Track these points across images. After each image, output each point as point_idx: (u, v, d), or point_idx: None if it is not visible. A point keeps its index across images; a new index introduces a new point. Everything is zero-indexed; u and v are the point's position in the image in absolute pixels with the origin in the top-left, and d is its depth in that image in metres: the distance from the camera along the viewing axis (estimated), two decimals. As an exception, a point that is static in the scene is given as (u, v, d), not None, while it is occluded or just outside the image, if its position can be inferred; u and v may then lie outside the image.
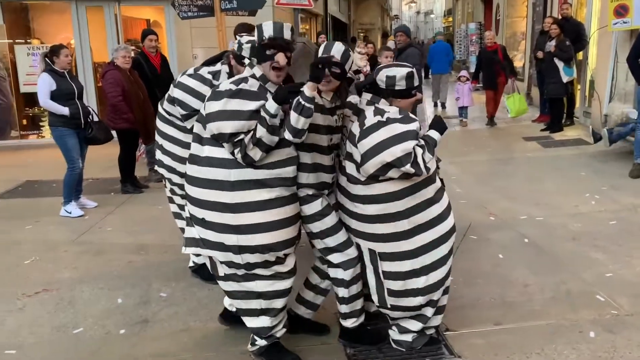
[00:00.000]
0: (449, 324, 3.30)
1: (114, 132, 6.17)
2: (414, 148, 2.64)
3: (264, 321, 2.84)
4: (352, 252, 2.90)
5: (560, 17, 9.32)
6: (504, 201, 5.64)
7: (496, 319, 3.36)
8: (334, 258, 2.90)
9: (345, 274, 2.91)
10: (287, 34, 2.68)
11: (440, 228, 2.81)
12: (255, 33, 2.71)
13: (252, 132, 2.56)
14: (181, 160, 3.37)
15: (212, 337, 3.26)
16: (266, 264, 2.74)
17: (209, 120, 2.62)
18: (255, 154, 2.58)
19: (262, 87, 2.69)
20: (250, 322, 2.87)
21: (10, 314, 3.61)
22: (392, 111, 2.75)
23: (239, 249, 2.67)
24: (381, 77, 2.81)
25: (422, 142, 2.72)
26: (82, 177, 5.83)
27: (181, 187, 3.29)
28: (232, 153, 2.60)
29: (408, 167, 2.62)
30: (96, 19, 10.01)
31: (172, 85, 3.51)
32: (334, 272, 2.95)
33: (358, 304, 3.04)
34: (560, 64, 8.60)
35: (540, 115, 10.11)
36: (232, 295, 2.86)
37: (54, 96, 5.46)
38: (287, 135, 2.60)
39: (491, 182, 6.43)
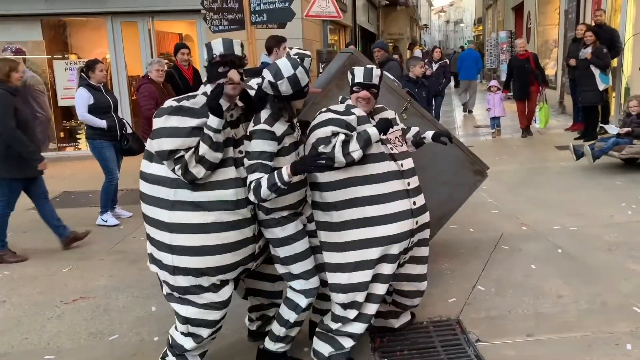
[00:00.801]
0: (480, 335, 3.27)
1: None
2: (333, 133, 2.76)
3: (186, 342, 2.75)
4: (314, 282, 2.86)
5: (593, 23, 9.18)
6: (536, 211, 5.56)
7: (529, 331, 3.31)
8: (297, 284, 2.86)
9: (304, 301, 2.86)
10: (237, 50, 2.63)
11: (371, 230, 2.80)
12: (205, 52, 2.64)
13: (193, 149, 2.52)
14: None
15: (242, 344, 3.30)
16: (198, 289, 2.66)
17: (152, 137, 2.60)
18: (199, 171, 2.52)
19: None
20: (175, 335, 2.79)
21: (49, 320, 3.73)
22: (344, 105, 2.95)
23: (174, 270, 2.63)
24: (349, 75, 3.00)
25: (352, 134, 2.79)
26: (117, 188, 5.99)
27: None
28: (173, 170, 2.55)
29: (321, 149, 2.73)
30: (130, 33, 10.29)
31: None
32: (292, 295, 2.88)
33: (294, 332, 2.98)
34: (596, 72, 8.44)
35: (573, 123, 9.95)
36: (175, 313, 2.78)
37: (91, 110, 5.63)
38: (252, 199, 2.57)
39: (523, 191, 6.35)
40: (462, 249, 4.55)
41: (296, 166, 2.55)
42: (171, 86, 6.61)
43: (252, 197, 2.58)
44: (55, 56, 10.41)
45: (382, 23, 26.80)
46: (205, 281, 2.65)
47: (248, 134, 2.68)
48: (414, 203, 2.92)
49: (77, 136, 10.77)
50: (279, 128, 2.66)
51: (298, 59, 2.71)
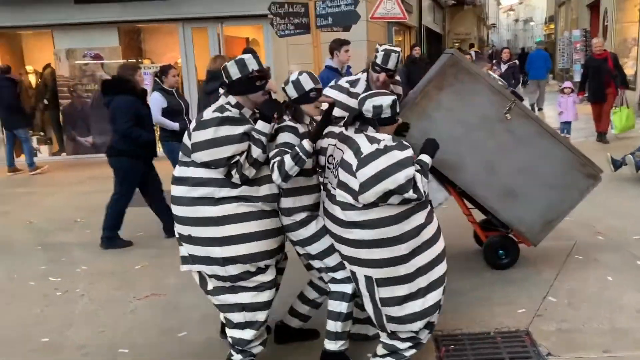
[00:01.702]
0: (551, 348, 3.15)
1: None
2: (414, 174, 2.68)
3: (246, 334, 2.93)
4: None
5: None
6: (613, 219, 5.29)
7: (605, 346, 3.16)
8: (339, 274, 2.99)
9: (349, 288, 2.97)
10: (262, 64, 2.91)
11: (433, 250, 2.82)
12: (236, 67, 2.83)
13: (245, 152, 2.77)
14: None
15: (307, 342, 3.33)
16: (248, 275, 2.86)
17: (198, 149, 2.77)
18: (251, 172, 2.80)
19: (242, 115, 2.87)
20: (234, 333, 2.95)
21: (123, 315, 3.90)
22: (387, 138, 2.79)
23: (223, 261, 2.82)
24: (367, 107, 2.81)
25: (418, 167, 2.76)
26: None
27: None
28: (228, 174, 2.78)
29: (411, 194, 2.67)
30: (201, 39, 10.62)
31: None
32: (337, 287, 3.00)
33: (348, 325, 3.05)
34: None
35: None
36: (220, 308, 2.98)
37: (165, 113, 5.86)
38: (276, 178, 2.76)
39: (598, 199, 6.01)
40: (533, 258, 4.39)
41: (311, 133, 2.78)
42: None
43: (275, 176, 2.75)
44: (130, 61, 10.90)
45: (448, 23, 26.34)
46: (252, 267, 2.86)
47: (274, 130, 2.88)
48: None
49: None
50: (300, 128, 2.90)
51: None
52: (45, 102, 10.99)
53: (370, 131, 2.84)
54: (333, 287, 3.02)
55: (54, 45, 10.75)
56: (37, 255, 5.29)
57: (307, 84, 2.89)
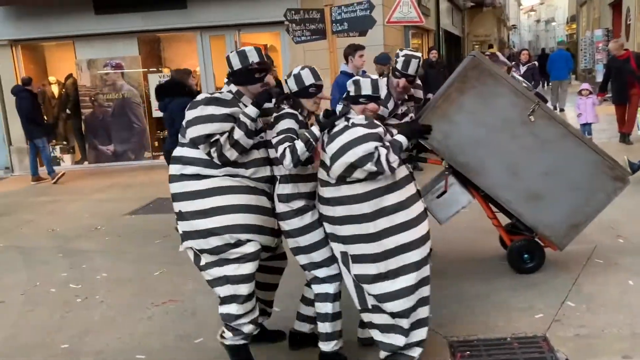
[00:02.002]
0: (568, 354, 3.10)
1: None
2: (376, 148, 2.78)
3: (231, 308, 2.98)
4: (336, 268, 3.03)
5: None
6: (634, 223, 5.19)
7: (625, 352, 3.09)
8: (320, 272, 3.04)
9: (331, 287, 3.03)
10: (264, 57, 3.02)
11: (406, 235, 2.86)
12: (237, 59, 2.95)
13: (227, 133, 2.84)
14: None
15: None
16: (228, 247, 2.92)
17: (188, 126, 2.90)
18: (232, 154, 2.87)
19: (235, 99, 2.98)
20: (221, 308, 3.02)
21: (141, 321, 3.95)
22: (358, 118, 2.92)
23: (206, 233, 2.91)
24: (349, 84, 3.02)
25: (387, 144, 2.87)
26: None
27: None
28: (209, 154, 2.88)
29: (369, 166, 2.77)
30: (218, 46, 10.73)
31: None
32: (319, 288, 3.05)
33: (339, 325, 3.09)
34: None
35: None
36: (211, 283, 3.04)
37: None
38: (287, 163, 2.81)
39: (620, 202, 5.87)
40: (552, 262, 4.32)
41: (320, 120, 2.89)
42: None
43: (287, 161, 2.80)
44: (150, 69, 11.06)
45: (467, 25, 26.14)
46: (231, 238, 2.91)
47: (274, 119, 2.99)
48: (422, 201, 3.05)
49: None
50: (299, 116, 2.99)
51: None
52: (68, 111, 11.22)
53: (352, 113, 2.95)
54: (316, 289, 3.07)
55: (76, 55, 10.97)
56: (58, 262, 5.39)
57: (308, 79, 2.98)
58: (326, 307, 3.03)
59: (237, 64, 2.96)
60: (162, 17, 10.40)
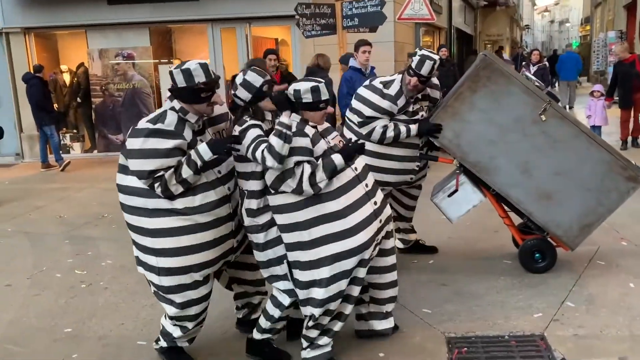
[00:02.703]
0: (565, 354, 3.11)
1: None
2: (298, 164, 2.78)
3: (174, 331, 3.08)
4: None
5: None
6: (638, 226, 5.17)
7: (622, 353, 3.10)
8: (281, 285, 3.06)
9: (287, 301, 3.06)
10: (212, 73, 2.85)
11: (341, 245, 2.85)
12: (181, 77, 2.78)
13: (173, 168, 2.75)
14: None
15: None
16: (180, 288, 2.92)
17: (129, 157, 2.82)
18: (177, 189, 2.78)
19: (181, 121, 2.84)
20: (165, 323, 3.11)
21: (143, 308, 4.01)
22: (293, 124, 2.86)
23: (159, 271, 2.91)
24: (290, 91, 2.91)
25: (318, 162, 2.82)
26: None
27: None
28: (151, 187, 2.78)
29: (289, 182, 2.78)
30: (229, 39, 10.77)
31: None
32: (279, 296, 3.09)
33: (279, 325, 3.16)
34: None
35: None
36: (159, 298, 3.08)
37: None
38: (271, 163, 2.72)
39: (625, 204, 5.88)
40: (553, 262, 4.33)
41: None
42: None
43: (270, 162, 2.73)
44: (161, 60, 11.12)
45: (480, 24, 25.98)
46: (188, 278, 2.92)
47: (238, 133, 2.90)
48: (375, 203, 2.99)
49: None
50: (263, 126, 2.93)
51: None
52: (79, 100, 11.30)
53: (284, 116, 2.86)
54: (275, 293, 3.11)
55: (88, 44, 11.05)
56: (65, 248, 5.47)
57: (256, 81, 2.94)
58: (275, 312, 3.10)
59: (181, 82, 2.79)
60: (174, 8, 10.44)
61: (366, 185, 2.99)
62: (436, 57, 3.92)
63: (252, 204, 2.95)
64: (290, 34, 10.80)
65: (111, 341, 3.54)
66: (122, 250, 5.29)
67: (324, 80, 2.96)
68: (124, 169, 2.90)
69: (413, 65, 3.88)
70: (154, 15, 10.54)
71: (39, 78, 9.61)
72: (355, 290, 3.01)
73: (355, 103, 4.07)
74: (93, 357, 3.38)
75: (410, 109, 4.06)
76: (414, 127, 4.00)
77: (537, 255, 4.20)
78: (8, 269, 4.96)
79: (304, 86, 2.88)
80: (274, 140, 2.73)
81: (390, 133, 3.97)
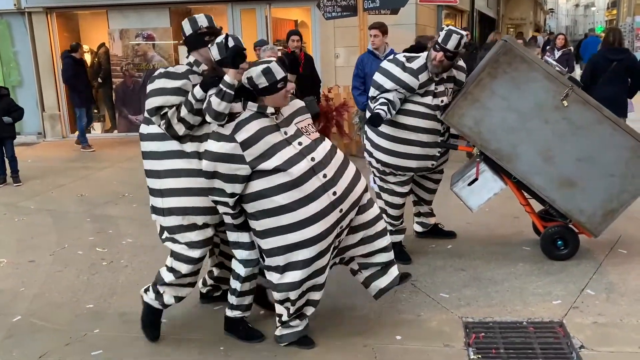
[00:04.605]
0: (584, 341, 3.09)
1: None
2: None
3: (167, 276, 3.20)
4: (253, 255, 3.14)
5: None
6: (663, 214, 5.08)
7: (642, 342, 3.08)
8: (239, 254, 3.17)
9: (243, 271, 3.16)
10: (215, 24, 3.13)
11: (291, 236, 2.89)
12: (188, 24, 3.08)
13: (175, 107, 2.95)
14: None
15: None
16: (181, 229, 3.11)
17: (145, 101, 3.05)
18: (180, 129, 2.97)
19: (190, 70, 3.07)
20: (162, 270, 3.25)
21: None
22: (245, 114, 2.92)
23: (163, 211, 3.12)
24: (244, 80, 2.89)
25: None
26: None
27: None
28: (160, 125, 3.00)
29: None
30: (249, 20, 10.71)
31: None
32: (235, 265, 3.20)
33: (247, 300, 3.25)
34: None
35: None
36: (170, 252, 3.22)
37: None
38: (208, 118, 2.89)
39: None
40: (573, 250, 4.28)
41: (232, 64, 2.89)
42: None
43: (208, 118, 2.89)
44: (180, 42, 11.11)
45: (502, 7, 25.52)
46: (185, 220, 3.09)
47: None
48: (334, 193, 2.92)
49: (198, 117, 11.46)
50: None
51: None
52: (99, 80, 11.36)
53: (250, 105, 2.93)
54: (233, 264, 3.21)
55: (108, 25, 11.08)
56: (86, 226, 5.55)
57: (233, 46, 2.93)
58: (235, 284, 3.21)
59: (188, 30, 3.09)
60: (195, -12, 10.41)
61: (324, 176, 2.91)
62: (463, 32, 3.86)
63: None
64: (310, 15, 10.71)
65: (132, 317, 3.60)
66: (142, 229, 5.36)
67: (273, 59, 2.97)
68: (146, 120, 3.14)
69: (439, 40, 3.83)
70: (174, -5, 10.52)
71: (72, 57, 9.55)
72: (321, 279, 3.05)
73: (377, 76, 4.03)
74: (114, 333, 3.45)
75: (433, 88, 3.97)
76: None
77: (559, 242, 4.16)
78: (31, 245, 5.05)
79: (255, 71, 2.85)
80: (212, 98, 2.85)
81: (381, 106, 3.86)
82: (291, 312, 3.08)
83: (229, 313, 3.28)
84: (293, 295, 3.01)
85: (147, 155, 3.15)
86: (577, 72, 15.99)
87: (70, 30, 11.64)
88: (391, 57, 4.13)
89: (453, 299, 3.65)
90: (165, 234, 3.21)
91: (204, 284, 3.70)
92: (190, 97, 2.95)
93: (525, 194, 4.24)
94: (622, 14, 24.91)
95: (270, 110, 2.92)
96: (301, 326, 3.16)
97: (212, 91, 2.91)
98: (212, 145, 2.88)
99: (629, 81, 6.28)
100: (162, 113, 2.97)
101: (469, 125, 3.94)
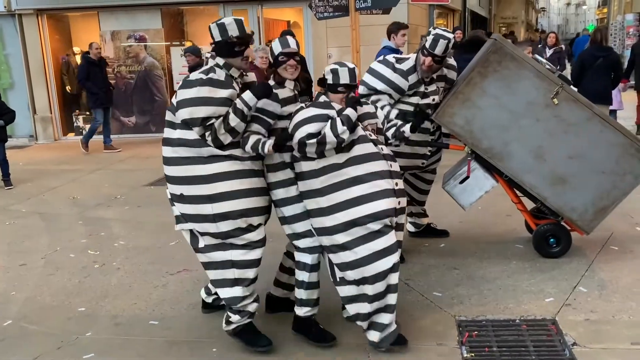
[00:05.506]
0: (577, 338, 3.10)
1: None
2: (321, 129, 2.87)
3: (236, 291, 3.04)
4: (317, 241, 3.08)
5: None
6: (654, 211, 5.11)
7: (634, 338, 3.09)
8: (301, 243, 3.11)
9: (309, 259, 3.11)
10: (248, 30, 3.01)
11: (361, 209, 2.88)
12: (217, 31, 2.94)
13: (222, 117, 2.85)
14: None
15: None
16: (239, 231, 2.98)
17: (180, 107, 2.90)
18: (226, 138, 2.88)
19: (228, 76, 2.98)
20: (224, 292, 3.07)
21: (155, 289, 4.04)
22: (319, 99, 3.05)
23: (214, 217, 2.94)
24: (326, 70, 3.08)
25: (335, 117, 2.92)
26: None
27: None
28: (202, 136, 2.88)
29: (313, 140, 2.85)
30: (241, 21, 10.68)
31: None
32: (299, 256, 3.15)
33: (315, 294, 3.18)
34: None
35: None
36: (209, 266, 3.09)
37: None
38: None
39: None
40: (565, 247, 4.30)
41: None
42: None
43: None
44: (173, 43, 11.08)
45: (494, 7, 25.60)
46: (243, 223, 2.97)
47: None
48: (397, 184, 3.01)
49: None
50: (283, 92, 3.10)
51: None
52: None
53: (322, 97, 3.06)
54: (297, 256, 3.16)
55: (100, 26, 11.03)
56: (78, 229, 5.52)
57: (276, 49, 3.05)
58: (303, 276, 3.13)
59: (217, 36, 2.96)
60: (186, -11, 10.37)
61: (391, 166, 3.03)
62: (450, 35, 3.86)
63: (274, 158, 3.06)
64: (303, 15, 10.70)
65: (124, 320, 3.59)
66: (134, 231, 5.34)
67: (353, 66, 3.04)
68: (172, 124, 3.00)
69: (427, 45, 3.83)
70: (166, -4, 10.49)
71: (85, 58, 9.44)
72: (389, 262, 2.92)
73: (367, 77, 4.03)
74: (106, 336, 3.43)
75: (422, 89, 3.99)
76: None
77: (551, 240, 4.17)
78: (23, 248, 5.02)
79: (328, 67, 3.04)
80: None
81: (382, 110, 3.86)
82: (370, 294, 2.93)
83: (299, 311, 3.18)
84: (367, 272, 2.89)
85: (179, 161, 2.96)
86: (569, 70, 16.15)
87: (61, 32, 11.58)
88: (381, 58, 4.12)
89: (446, 298, 3.65)
90: (208, 242, 3.03)
91: (209, 292, 3.53)
92: (241, 105, 2.86)
93: (517, 192, 4.24)
94: (613, 13, 25.02)
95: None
96: (392, 325, 3.02)
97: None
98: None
99: (612, 75, 7.32)
100: (208, 124, 2.85)
101: (460, 124, 3.94)
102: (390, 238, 2.94)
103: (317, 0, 7.72)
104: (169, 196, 3.10)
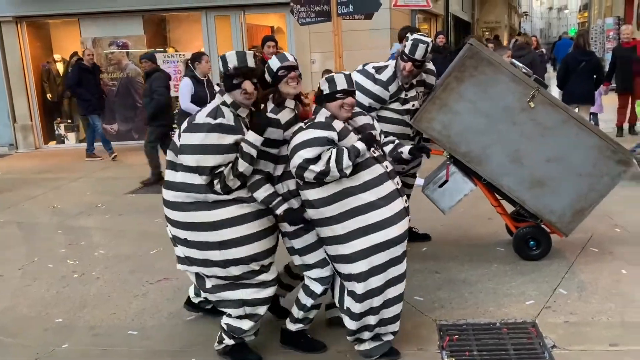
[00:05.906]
0: (556, 341, 3.11)
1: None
2: (320, 154, 2.75)
3: (244, 324, 2.97)
4: (329, 270, 3.01)
5: None
6: (633, 213, 5.16)
7: (613, 340, 3.10)
8: (312, 274, 3.03)
9: (320, 289, 3.03)
10: (250, 62, 2.80)
11: (377, 236, 2.81)
12: (220, 63, 2.82)
13: (231, 164, 2.74)
14: None
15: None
16: (252, 274, 2.88)
17: (185, 152, 2.77)
18: (235, 184, 2.77)
19: (237, 118, 2.81)
20: (230, 322, 3.00)
21: (135, 298, 3.99)
22: (318, 118, 2.91)
23: (224, 263, 2.84)
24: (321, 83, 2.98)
25: (342, 147, 2.79)
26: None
27: None
28: (210, 184, 2.75)
29: (312, 167, 2.74)
30: (223, 27, 10.67)
31: None
32: (311, 284, 3.05)
33: (312, 314, 3.14)
34: None
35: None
36: (218, 304, 3.03)
37: (192, 101, 5.99)
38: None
39: (619, 191, 5.86)
40: (546, 249, 4.32)
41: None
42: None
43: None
44: (156, 49, 11.01)
45: (477, 11, 25.83)
46: (256, 266, 2.88)
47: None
48: (405, 201, 2.97)
49: (174, 126, 11.35)
50: (283, 114, 2.99)
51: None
52: (73, 89, 11.18)
53: (323, 112, 2.95)
54: (306, 282, 3.07)
55: (81, 33, 10.94)
56: (58, 238, 5.44)
57: (275, 65, 2.94)
58: (307, 301, 3.07)
59: (221, 68, 2.82)
60: (167, -4, 10.34)
61: (397, 183, 2.96)
62: (428, 39, 3.88)
63: (279, 188, 2.96)
64: (286, 21, 10.71)
65: (102, 331, 3.53)
66: (115, 240, 5.28)
67: (347, 72, 2.99)
68: (174, 166, 2.87)
69: (406, 51, 3.84)
70: (147, 2, 10.43)
71: (77, 64, 9.34)
72: (392, 292, 2.92)
73: None
74: (83, 347, 3.37)
75: (403, 95, 4.02)
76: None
77: (531, 242, 4.19)
78: (0, 259, 4.94)
79: (322, 79, 2.94)
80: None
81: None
82: (373, 323, 2.93)
83: (291, 327, 3.14)
84: (376, 302, 2.88)
85: (183, 206, 2.84)
86: (552, 73, 16.34)
87: (42, 39, 11.47)
88: (360, 67, 4.12)
89: (427, 302, 3.65)
90: (215, 283, 2.94)
91: (197, 294, 3.46)
92: (247, 148, 2.73)
93: (497, 195, 4.26)
94: (593, 17, 25.39)
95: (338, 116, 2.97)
96: (386, 337, 3.03)
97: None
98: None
99: (595, 77, 7.97)
100: (216, 172, 2.73)
101: (437, 129, 3.96)
102: (405, 263, 2.94)
103: (299, 6, 7.73)
104: (171, 236, 3.01)
